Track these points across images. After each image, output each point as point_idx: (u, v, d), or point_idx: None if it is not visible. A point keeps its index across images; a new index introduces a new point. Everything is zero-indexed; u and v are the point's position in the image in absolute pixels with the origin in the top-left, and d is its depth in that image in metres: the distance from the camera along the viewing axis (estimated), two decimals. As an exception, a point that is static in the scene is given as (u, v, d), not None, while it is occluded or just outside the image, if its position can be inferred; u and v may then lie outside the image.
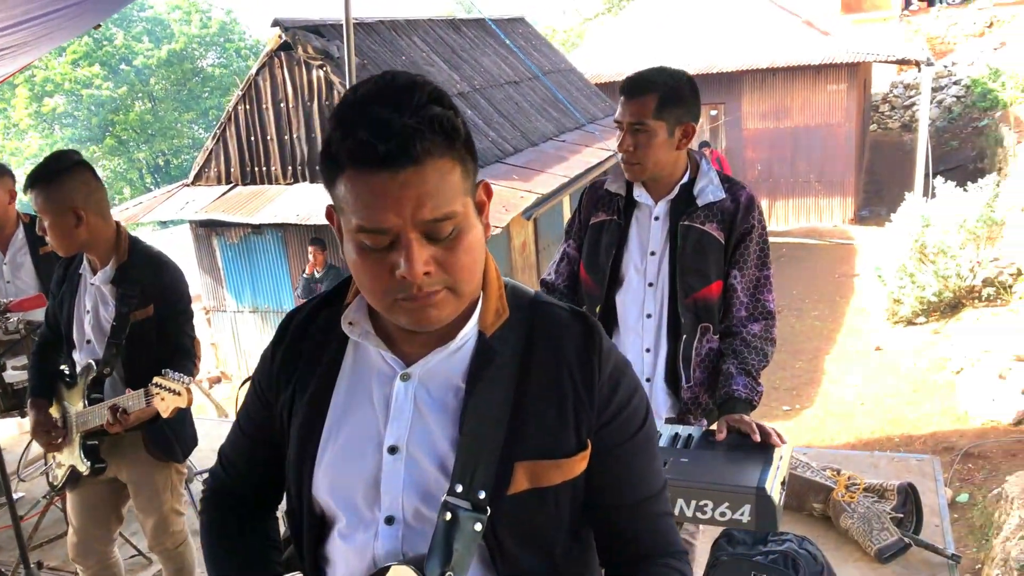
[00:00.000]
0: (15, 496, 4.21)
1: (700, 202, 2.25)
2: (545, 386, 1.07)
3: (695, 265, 2.25)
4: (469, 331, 1.08)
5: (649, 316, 2.33)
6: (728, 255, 2.26)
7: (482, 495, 1.03)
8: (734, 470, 1.89)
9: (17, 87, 24.78)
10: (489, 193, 1.06)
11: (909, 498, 3.07)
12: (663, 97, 2.14)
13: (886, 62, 14.57)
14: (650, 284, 2.32)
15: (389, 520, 1.07)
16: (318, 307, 1.20)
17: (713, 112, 14.69)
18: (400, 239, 0.94)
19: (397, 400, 1.08)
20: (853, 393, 8.00)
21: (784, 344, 9.30)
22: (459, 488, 1.03)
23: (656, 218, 2.30)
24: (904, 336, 9.08)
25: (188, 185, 9.77)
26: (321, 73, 8.73)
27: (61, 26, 3.84)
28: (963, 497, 5.92)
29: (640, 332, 2.35)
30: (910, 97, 18.45)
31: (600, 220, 2.38)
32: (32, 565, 3.26)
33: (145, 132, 27.60)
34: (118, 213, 9.93)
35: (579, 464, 1.07)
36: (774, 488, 1.82)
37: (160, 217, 9.45)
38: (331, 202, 1.02)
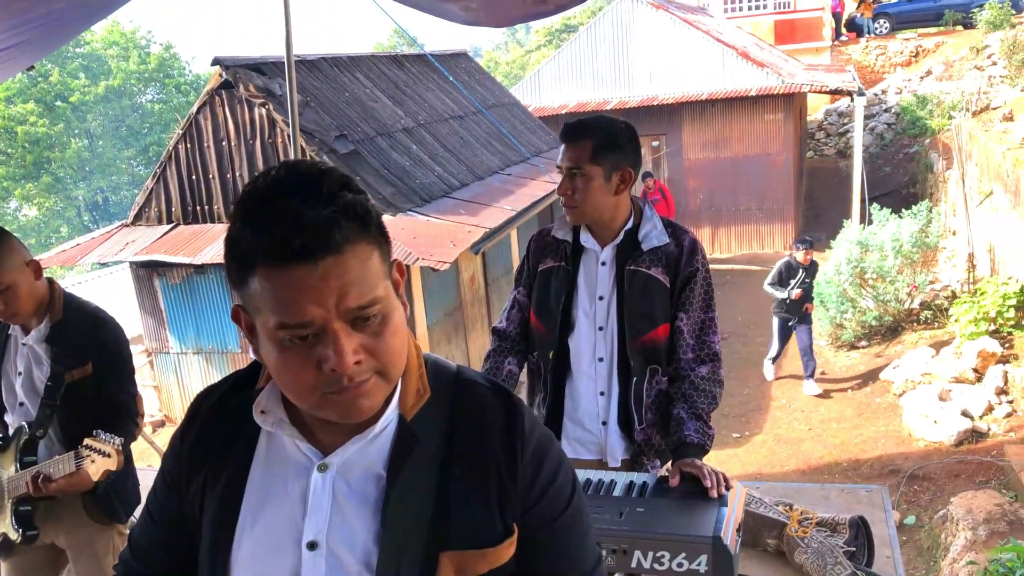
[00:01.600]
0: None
1: (645, 247, 2.29)
2: (468, 471, 1.04)
3: (642, 309, 2.28)
4: (389, 415, 1.04)
5: (601, 360, 2.35)
6: (673, 298, 2.29)
7: None
8: (689, 518, 1.90)
9: (-53, 125, 24.09)
10: (402, 272, 1.04)
11: (860, 531, 3.10)
12: (599, 143, 2.20)
13: (820, 92, 15.04)
14: (600, 328, 2.34)
15: None
16: (229, 392, 1.15)
17: (655, 143, 14.96)
18: (325, 331, 0.91)
19: (315, 493, 1.03)
20: (801, 419, 8.13)
21: (732, 371, 9.41)
22: None
23: (603, 263, 2.33)
24: (847, 360, 9.28)
25: (128, 225, 9.55)
26: (263, 111, 8.65)
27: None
28: (910, 519, 6.03)
29: (593, 376, 2.37)
30: (844, 124, 19.06)
31: (549, 266, 2.40)
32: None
33: (83, 169, 27.00)
34: (55, 256, 9.65)
35: (506, 551, 1.04)
36: (729, 536, 1.83)
37: (99, 259, 9.20)
38: (237, 301, 0.98)
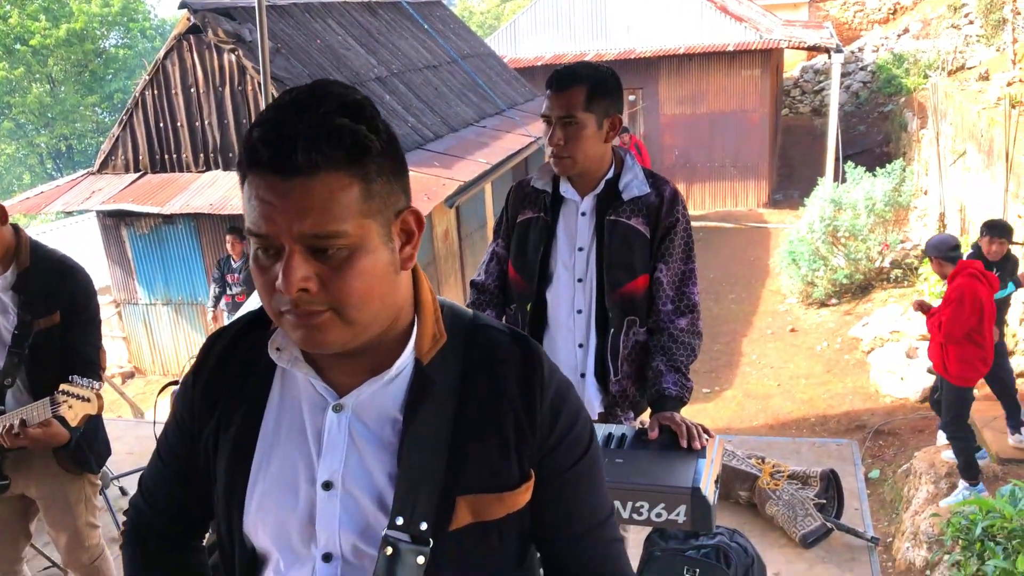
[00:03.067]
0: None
1: (625, 196, 2.25)
2: (485, 416, 1.02)
3: (621, 260, 2.25)
4: (405, 359, 1.02)
5: (579, 312, 2.33)
6: (653, 249, 2.28)
7: (424, 527, 0.99)
8: (668, 470, 1.90)
9: (-99, 67, 23.23)
10: (420, 223, 1.00)
11: (831, 484, 3.16)
12: (591, 89, 2.15)
13: (798, 48, 14.98)
14: (579, 280, 2.31)
15: (327, 557, 1.02)
16: (243, 330, 1.13)
17: (631, 97, 14.85)
18: (283, 250, 0.90)
19: (330, 433, 1.02)
20: (770, 374, 8.24)
21: (704, 327, 9.50)
22: (399, 520, 0.98)
23: (583, 214, 2.30)
24: (817, 318, 9.40)
25: (93, 173, 9.32)
26: (233, 57, 8.43)
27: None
28: (875, 473, 6.17)
29: (572, 328, 2.35)
30: (820, 82, 19.05)
31: (527, 217, 2.36)
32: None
33: (45, 116, 26.22)
34: (18, 204, 9.41)
35: (522, 496, 1.04)
36: (708, 487, 1.84)
37: (64, 207, 8.99)
38: None
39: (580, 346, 2.33)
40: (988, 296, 4.60)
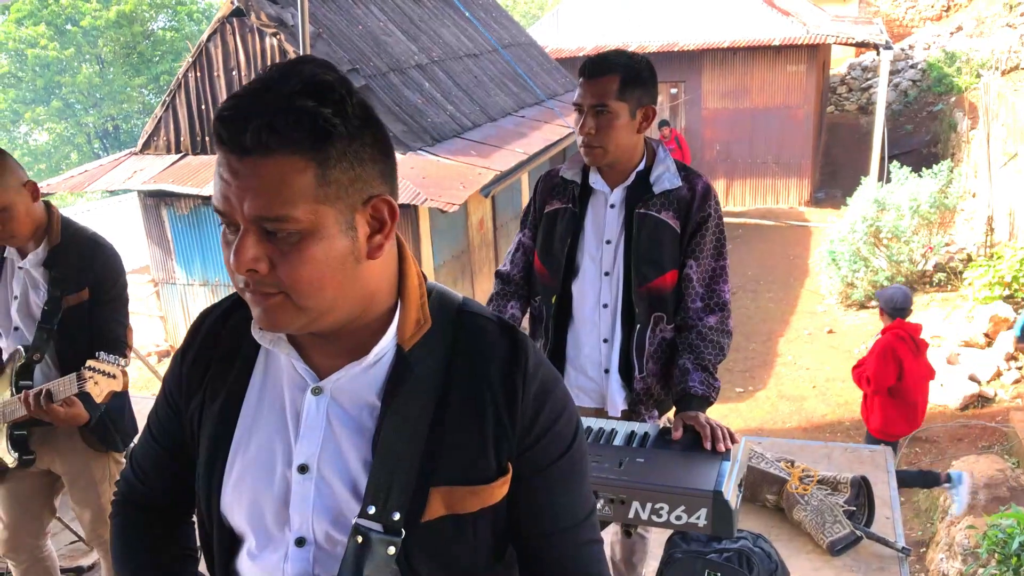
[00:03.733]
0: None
1: (656, 189, 2.20)
2: (465, 406, 1.00)
3: (650, 254, 2.20)
4: (386, 344, 1.00)
5: (605, 306, 2.28)
6: (683, 244, 2.22)
7: (396, 517, 0.96)
8: (690, 471, 1.85)
9: (-44, 45, 23.77)
10: (392, 213, 0.96)
11: (862, 491, 3.07)
12: (625, 78, 2.10)
13: (846, 44, 14.67)
14: (606, 273, 2.26)
15: (299, 542, 1.01)
16: (232, 307, 1.12)
17: (673, 90, 14.67)
18: (239, 227, 0.90)
19: (308, 416, 1.01)
20: (806, 376, 8.09)
21: (739, 326, 9.36)
22: (371, 509, 0.96)
23: (612, 206, 2.25)
24: (856, 320, 9.21)
25: (136, 154, 9.45)
26: (275, 41, 8.47)
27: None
28: (910, 481, 6.01)
29: (597, 322, 2.30)
30: (868, 80, 18.64)
31: (555, 208, 2.32)
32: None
33: (93, 96, 26.68)
34: (63, 182, 9.57)
35: (498, 490, 1.01)
36: (731, 491, 1.78)
37: (106, 187, 9.13)
38: None
39: (605, 341, 2.29)
40: (910, 358, 4.79)
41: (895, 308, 4.87)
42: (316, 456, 1.00)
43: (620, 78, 2.09)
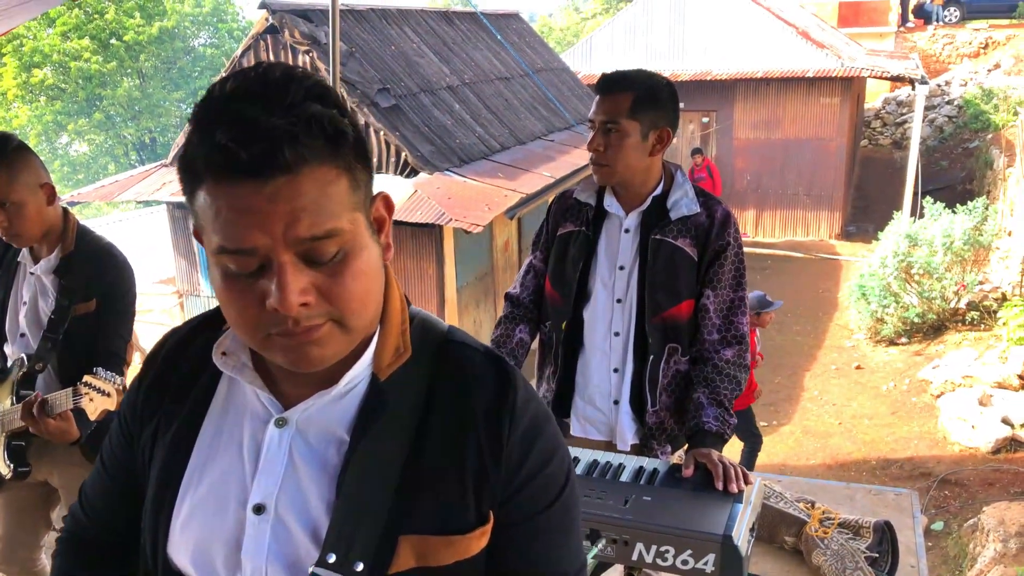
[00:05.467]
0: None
1: (673, 215, 2.11)
2: (444, 445, 0.90)
3: (665, 282, 2.11)
4: (359, 373, 0.91)
5: (617, 334, 2.20)
6: (700, 273, 2.13)
7: (359, 568, 0.86)
8: (700, 513, 1.75)
9: (5, 56, 24.34)
10: (390, 208, 0.89)
11: (885, 537, 2.93)
12: (639, 97, 2.03)
13: (881, 78, 14.52)
14: (618, 300, 2.18)
15: None
16: (196, 329, 1.03)
17: (705, 119, 14.60)
18: (271, 263, 0.78)
19: (269, 450, 0.91)
20: (832, 412, 7.91)
21: (765, 358, 9.20)
22: (331, 558, 0.86)
23: (626, 230, 2.17)
24: (885, 356, 9.00)
25: (166, 165, 9.55)
26: (307, 59, 8.53)
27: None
28: (938, 525, 5.83)
29: (607, 351, 2.21)
30: (903, 114, 18.44)
31: (568, 231, 2.24)
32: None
33: (132, 109, 27.19)
34: (94, 191, 9.70)
35: (477, 542, 0.90)
36: (741, 535, 1.68)
37: (135, 197, 9.22)
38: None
39: (615, 371, 2.20)
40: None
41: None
42: (274, 495, 0.90)
43: (633, 96, 2.03)
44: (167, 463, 0.96)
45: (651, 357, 2.16)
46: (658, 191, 2.15)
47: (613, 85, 2.06)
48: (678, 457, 2.25)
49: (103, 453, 1.09)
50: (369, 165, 0.85)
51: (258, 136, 0.75)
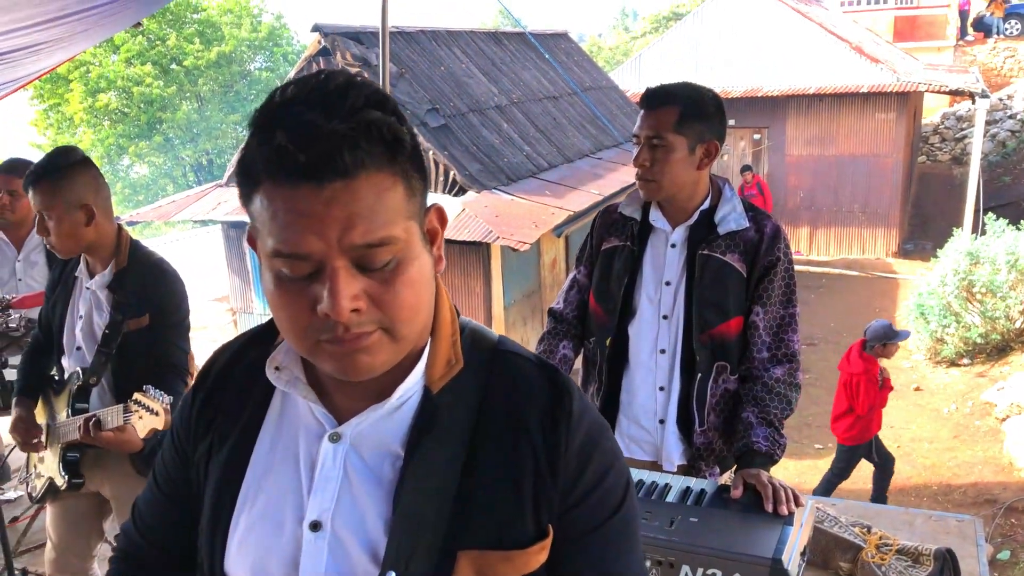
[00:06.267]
0: (12, 496, 4.14)
1: (721, 230, 2.07)
2: (499, 458, 0.88)
3: (713, 298, 2.07)
4: (412, 386, 0.90)
5: (663, 352, 2.15)
6: (750, 290, 2.07)
7: None
8: (749, 535, 1.70)
9: (72, 83, 25.26)
10: (443, 220, 0.88)
11: (947, 565, 2.81)
12: (685, 111, 1.99)
13: (939, 92, 14.18)
14: (664, 317, 2.14)
15: None
16: (246, 345, 1.02)
17: (756, 136, 14.41)
18: (324, 268, 0.78)
19: (324, 466, 0.90)
20: (889, 435, 7.67)
21: (820, 379, 8.98)
22: (391, 575, 0.85)
23: (673, 245, 2.13)
24: (946, 378, 8.72)
25: (222, 186, 9.76)
26: (358, 80, 8.66)
27: (100, 23, 3.79)
28: (1004, 555, 5.59)
29: (653, 369, 2.17)
30: (962, 130, 17.98)
31: (612, 246, 2.21)
32: (17, 571, 3.16)
33: (191, 131, 27.95)
34: (152, 211, 9.95)
35: (536, 557, 0.88)
36: (792, 559, 1.62)
37: (191, 216, 9.44)
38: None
39: (661, 389, 2.15)
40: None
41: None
42: (330, 512, 0.89)
43: (679, 110, 1.99)
44: (222, 480, 0.96)
45: (699, 375, 2.11)
46: (706, 205, 2.11)
47: (658, 99, 2.02)
48: (727, 478, 2.19)
49: (156, 471, 1.09)
50: (424, 175, 0.84)
51: (317, 139, 0.75)
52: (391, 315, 0.81)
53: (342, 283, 0.77)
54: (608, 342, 2.20)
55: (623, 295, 2.17)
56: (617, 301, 2.17)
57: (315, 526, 0.89)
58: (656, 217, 2.15)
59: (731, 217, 2.08)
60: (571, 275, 2.37)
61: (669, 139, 2.00)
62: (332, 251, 0.77)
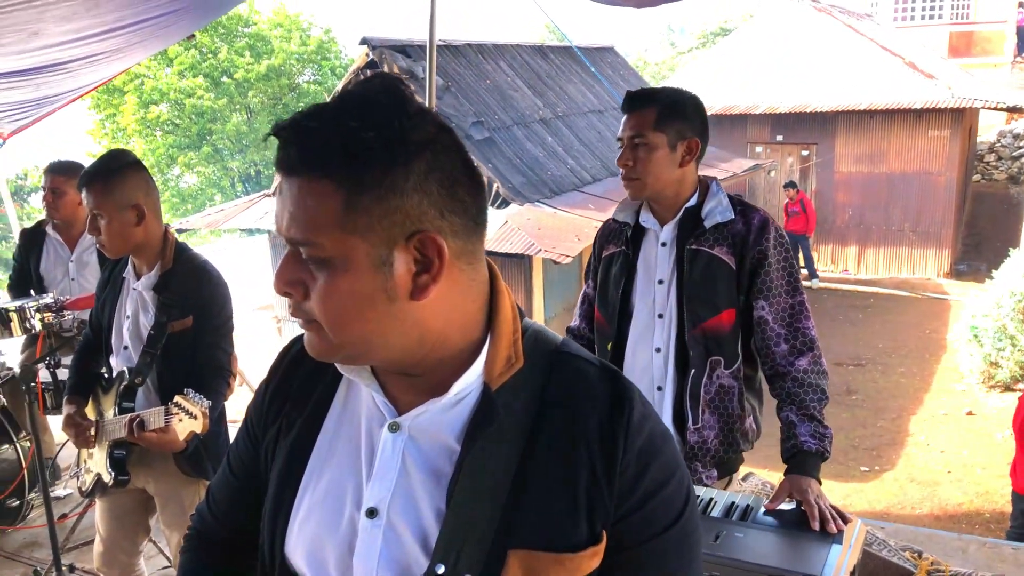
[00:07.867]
0: (63, 493, 4.22)
1: (708, 224, 2.08)
2: (556, 458, 0.87)
3: (703, 292, 2.07)
4: (470, 382, 0.89)
5: (658, 350, 2.15)
6: (746, 284, 2.07)
7: None
8: (795, 553, 1.66)
9: (127, 94, 25.97)
10: (440, 253, 0.84)
11: (1001, 593, 2.72)
12: (663, 110, 2.03)
13: (995, 109, 13.87)
14: (659, 315, 2.15)
15: None
16: None
17: (805, 152, 14.23)
18: None
19: (383, 454, 0.91)
20: (940, 460, 7.46)
21: (867, 400, 8.79)
22: (440, 568, 0.85)
23: (663, 244, 2.15)
24: (1000, 403, 8.47)
25: (269, 195, 9.92)
26: (405, 92, 8.75)
27: (154, 34, 3.89)
28: (1059, 586, 5.38)
29: (650, 369, 2.17)
30: (1019, 148, 17.52)
31: (610, 253, 2.25)
32: (64, 567, 3.21)
33: (240, 143, 28.48)
34: (198, 219, 10.15)
35: (588, 562, 0.86)
36: (841, 579, 1.58)
37: (239, 225, 9.62)
38: None
39: (659, 388, 2.15)
40: None
41: None
42: (387, 500, 0.90)
43: (657, 109, 2.03)
44: (287, 464, 0.99)
45: (692, 371, 2.10)
46: (692, 202, 2.13)
47: (637, 101, 2.07)
48: (757, 489, 2.13)
49: (229, 454, 1.13)
50: (407, 197, 0.82)
51: (282, 135, 0.84)
52: (316, 314, 0.85)
53: (282, 264, 0.86)
54: (609, 347, 2.22)
55: (620, 299, 2.19)
56: (616, 305, 2.20)
57: (371, 513, 0.90)
58: (646, 218, 2.17)
59: (717, 210, 2.09)
60: (583, 291, 2.40)
61: (649, 137, 2.03)
62: (282, 236, 0.85)
